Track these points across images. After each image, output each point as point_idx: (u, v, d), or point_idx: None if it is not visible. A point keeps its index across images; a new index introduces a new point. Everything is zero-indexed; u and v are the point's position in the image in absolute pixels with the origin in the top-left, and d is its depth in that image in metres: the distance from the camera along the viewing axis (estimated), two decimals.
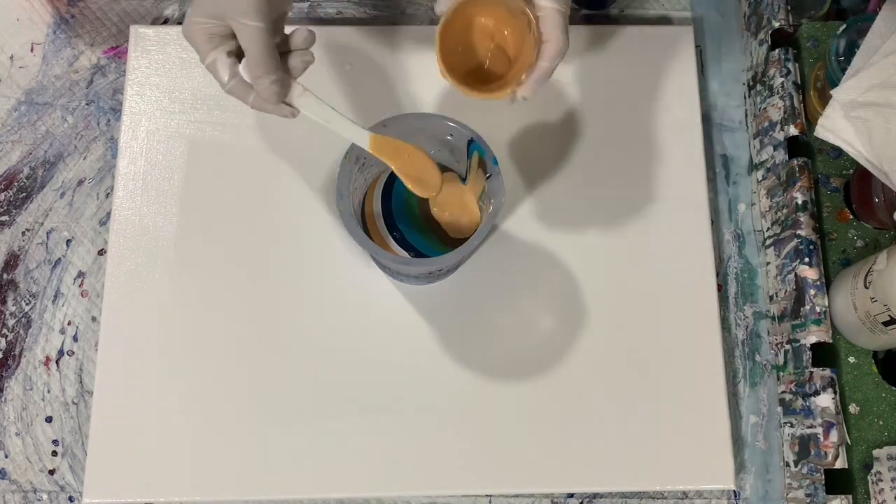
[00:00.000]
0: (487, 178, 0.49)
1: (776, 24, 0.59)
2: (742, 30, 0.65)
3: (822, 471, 0.51)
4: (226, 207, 0.57)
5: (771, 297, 0.58)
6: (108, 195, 0.59)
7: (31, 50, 0.62)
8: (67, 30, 0.63)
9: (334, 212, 0.57)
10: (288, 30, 0.46)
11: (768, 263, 0.59)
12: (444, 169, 0.52)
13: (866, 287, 0.48)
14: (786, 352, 0.55)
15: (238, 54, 0.45)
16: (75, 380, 0.56)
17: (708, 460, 0.53)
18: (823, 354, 0.53)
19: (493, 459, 0.53)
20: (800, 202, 0.55)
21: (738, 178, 0.62)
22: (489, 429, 0.54)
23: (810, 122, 0.57)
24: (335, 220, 0.57)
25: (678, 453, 0.53)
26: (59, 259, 0.58)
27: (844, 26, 0.52)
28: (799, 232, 0.54)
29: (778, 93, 0.58)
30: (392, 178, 0.53)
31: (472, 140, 0.48)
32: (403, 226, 0.53)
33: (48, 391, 0.56)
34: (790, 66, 0.58)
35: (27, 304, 0.57)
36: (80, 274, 0.58)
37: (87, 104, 0.62)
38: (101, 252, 0.58)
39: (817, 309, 0.52)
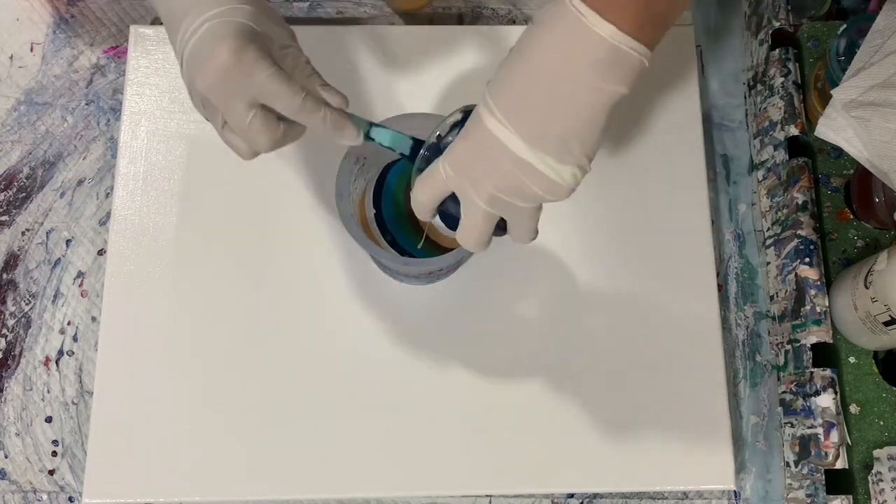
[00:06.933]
0: None
1: (776, 24, 0.59)
2: (742, 30, 0.65)
3: (822, 471, 0.51)
4: (226, 207, 0.57)
5: (771, 297, 0.58)
6: (107, 195, 0.59)
7: (31, 50, 0.62)
8: (67, 30, 0.63)
9: (334, 212, 0.57)
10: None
11: (768, 263, 0.59)
12: None
13: (866, 287, 0.48)
14: (786, 352, 0.55)
15: None
16: (75, 380, 0.56)
17: (708, 460, 0.53)
18: (824, 354, 0.53)
19: (493, 459, 0.53)
20: (800, 202, 0.55)
21: (738, 177, 0.62)
22: (489, 429, 0.54)
23: (810, 122, 0.57)
24: (335, 220, 0.57)
25: (678, 453, 0.53)
26: (59, 259, 0.58)
27: (845, 26, 0.52)
28: (799, 232, 0.54)
29: (778, 93, 0.58)
30: (381, 182, 0.53)
31: None
32: (395, 229, 0.53)
33: (48, 391, 0.56)
34: (790, 65, 0.58)
35: (27, 304, 0.57)
36: (80, 274, 0.58)
37: (86, 104, 0.61)
38: (101, 252, 0.58)
39: (818, 309, 0.52)
